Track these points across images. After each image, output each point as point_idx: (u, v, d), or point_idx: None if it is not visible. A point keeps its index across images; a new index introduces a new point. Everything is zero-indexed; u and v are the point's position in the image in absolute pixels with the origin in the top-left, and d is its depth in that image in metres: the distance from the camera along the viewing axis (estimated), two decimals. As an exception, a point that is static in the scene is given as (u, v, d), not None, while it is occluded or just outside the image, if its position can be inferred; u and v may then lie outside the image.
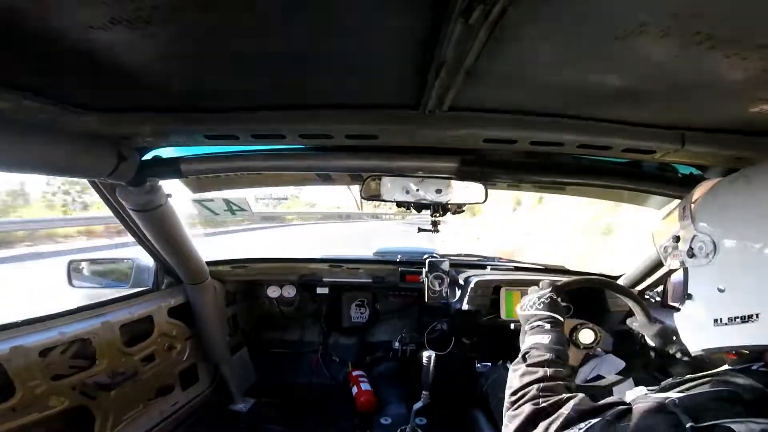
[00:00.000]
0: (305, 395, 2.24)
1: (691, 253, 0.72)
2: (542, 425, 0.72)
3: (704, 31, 0.50)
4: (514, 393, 0.84)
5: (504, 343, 1.81)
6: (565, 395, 0.77)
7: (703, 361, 0.91)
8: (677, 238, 0.77)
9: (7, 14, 0.51)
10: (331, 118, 0.92)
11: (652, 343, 1.14)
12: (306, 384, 2.33)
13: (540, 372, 0.84)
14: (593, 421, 0.65)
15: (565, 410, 0.71)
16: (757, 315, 0.61)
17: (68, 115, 0.85)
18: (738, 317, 0.64)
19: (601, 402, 0.69)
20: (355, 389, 2.10)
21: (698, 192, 0.77)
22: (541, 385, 0.81)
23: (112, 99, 0.86)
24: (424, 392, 1.58)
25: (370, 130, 0.94)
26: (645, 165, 1.16)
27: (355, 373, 2.21)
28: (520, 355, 0.93)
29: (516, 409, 0.80)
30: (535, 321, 0.97)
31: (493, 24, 0.51)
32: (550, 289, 1.01)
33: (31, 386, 1.11)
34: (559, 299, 1.00)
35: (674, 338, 1.10)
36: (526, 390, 0.81)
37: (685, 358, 1.13)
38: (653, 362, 1.55)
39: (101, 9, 0.50)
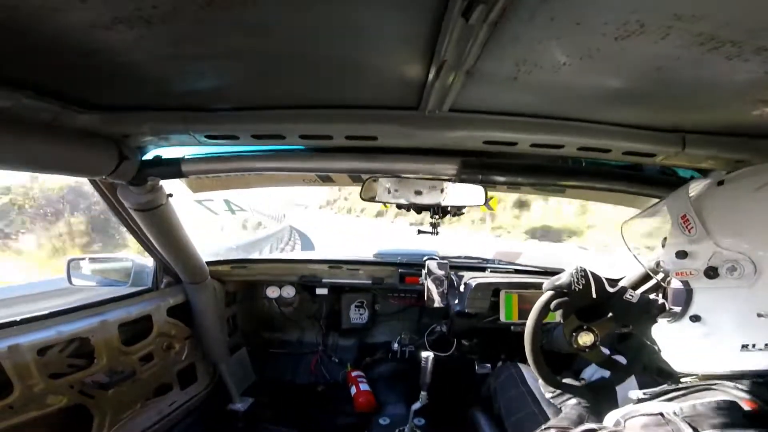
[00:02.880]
0: (304, 395, 2.24)
1: (713, 273, 0.63)
2: None
3: (706, 33, 0.50)
4: None
5: (504, 344, 1.81)
6: None
7: None
8: (683, 254, 0.68)
9: (9, 13, 0.51)
10: (331, 118, 0.92)
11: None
12: (305, 384, 2.33)
13: None
14: None
15: None
16: None
17: (69, 113, 0.85)
18: None
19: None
20: (353, 389, 2.10)
21: (697, 198, 0.69)
22: None
23: (112, 98, 0.87)
24: (422, 393, 1.58)
25: (370, 130, 0.94)
26: (645, 168, 1.16)
27: (353, 373, 2.21)
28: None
29: None
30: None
31: (494, 24, 0.51)
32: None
33: (29, 384, 1.11)
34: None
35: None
36: None
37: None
38: (652, 364, 1.54)
39: (102, 9, 0.51)
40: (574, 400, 1.05)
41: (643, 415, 0.62)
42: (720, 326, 0.65)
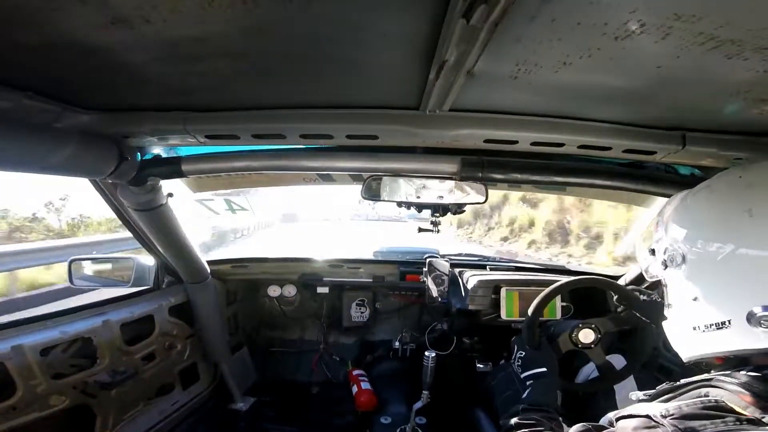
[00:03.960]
0: (305, 394, 2.25)
1: (665, 265, 0.75)
2: None
3: (707, 32, 0.50)
4: None
5: (504, 342, 1.81)
6: None
7: (697, 364, 0.91)
8: (653, 251, 0.81)
9: (9, 13, 0.51)
10: (332, 118, 0.92)
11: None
12: (306, 383, 2.33)
13: None
14: None
15: None
16: (729, 321, 0.64)
17: (69, 114, 0.85)
18: (713, 324, 0.66)
19: None
20: (355, 388, 2.10)
21: (671, 206, 0.79)
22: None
23: (112, 98, 0.87)
24: (424, 392, 1.58)
25: (371, 130, 0.94)
26: (646, 166, 1.16)
27: (355, 372, 2.21)
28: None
29: None
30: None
31: (494, 25, 0.51)
32: None
33: (32, 385, 1.11)
34: None
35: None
36: None
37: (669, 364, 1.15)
38: (653, 362, 1.55)
39: (102, 9, 0.51)
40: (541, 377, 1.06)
41: (632, 416, 0.64)
42: (680, 311, 0.74)
